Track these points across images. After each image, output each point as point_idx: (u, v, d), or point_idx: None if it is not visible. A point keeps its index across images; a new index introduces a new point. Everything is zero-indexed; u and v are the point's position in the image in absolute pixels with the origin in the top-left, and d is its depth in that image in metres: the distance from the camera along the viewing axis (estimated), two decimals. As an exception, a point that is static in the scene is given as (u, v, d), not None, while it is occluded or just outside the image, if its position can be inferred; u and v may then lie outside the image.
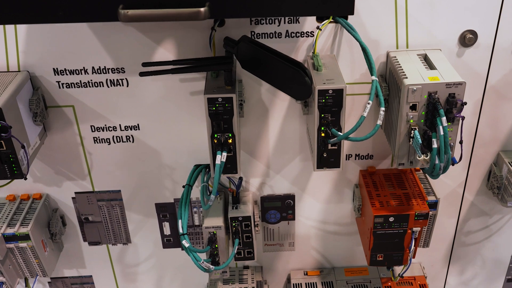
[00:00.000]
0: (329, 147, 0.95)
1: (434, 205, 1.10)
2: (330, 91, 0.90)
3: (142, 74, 0.92)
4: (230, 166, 0.96)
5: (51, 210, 1.20)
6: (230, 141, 0.93)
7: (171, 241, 1.29)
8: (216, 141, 0.93)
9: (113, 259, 1.31)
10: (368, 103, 0.88)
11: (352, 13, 0.70)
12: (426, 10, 1.00)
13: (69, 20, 0.70)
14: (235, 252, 1.11)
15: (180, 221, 1.08)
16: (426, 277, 1.30)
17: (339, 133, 0.90)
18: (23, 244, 1.10)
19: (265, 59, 0.90)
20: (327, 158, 0.97)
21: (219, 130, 0.93)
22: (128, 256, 1.30)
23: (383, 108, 0.89)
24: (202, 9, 0.67)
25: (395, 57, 1.00)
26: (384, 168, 1.19)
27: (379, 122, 0.88)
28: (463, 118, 0.93)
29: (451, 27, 1.02)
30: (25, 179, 0.99)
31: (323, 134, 0.94)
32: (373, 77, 0.90)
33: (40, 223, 1.14)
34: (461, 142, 0.96)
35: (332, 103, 0.91)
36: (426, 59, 1.00)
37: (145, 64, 0.94)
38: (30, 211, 1.15)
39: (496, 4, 1.00)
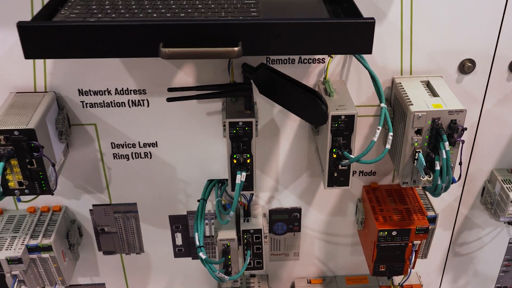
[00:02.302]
0: (339, 167, 1.03)
1: (433, 220, 1.18)
2: (343, 117, 0.98)
3: (169, 99, 0.98)
4: (247, 184, 1.03)
5: (69, 222, 1.26)
6: (248, 161, 1.00)
7: (182, 250, 1.35)
8: (235, 161, 1.00)
9: (126, 267, 1.37)
10: (378, 129, 0.96)
11: (370, 53, 0.77)
12: (429, 39, 1.08)
13: (111, 55, 0.76)
14: (247, 262, 1.17)
15: (196, 234, 1.14)
16: (422, 286, 1.38)
17: (351, 156, 0.98)
18: (45, 255, 1.16)
19: (283, 86, 0.97)
20: (337, 177, 1.04)
21: (238, 151, 1.00)
22: (140, 265, 1.36)
23: (391, 133, 0.96)
24: (236, 48, 0.73)
25: (400, 83, 1.08)
26: (386, 183, 1.27)
27: (388, 146, 0.96)
28: (463, 142, 1.01)
29: (452, 55, 1.10)
30: (53, 194, 1.04)
31: (334, 156, 1.01)
32: (382, 104, 0.98)
33: (60, 234, 1.20)
34: (460, 164, 1.04)
35: (344, 128, 0.99)
36: (429, 86, 1.08)
37: (170, 89, 1.00)
38: (51, 223, 1.20)
39: (493, 34, 1.08)
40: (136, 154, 1.19)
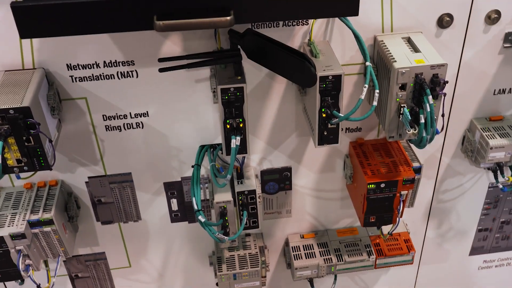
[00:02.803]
0: (329, 126, 1.07)
1: (418, 170, 1.24)
2: (330, 77, 1.01)
3: (161, 70, 1.00)
4: (241, 147, 1.06)
5: (66, 195, 1.28)
6: (241, 125, 1.03)
7: (178, 215, 1.39)
8: (228, 126, 1.03)
9: (125, 235, 1.40)
10: (365, 87, 1.00)
11: (357, 15, 0.80)
12: (408, -4, 1.11)
13: (107, 31, 0.78)
14: (245, 222, 1.22)
15: (194, 199, 1.18)
16: (409, 233, 1.46)
17: (340, 114, 1.02)
18: (47, 229, 1.18)
19: (271, 51, 0.99)
20: (327, 135, 1.08)
21: (231, 116, 1.03)
22: (138, 232, 1.40)
23: (377, 91, 1.00)
24: (228, 18, 0.76)
25: (383, 41, 1.12)
26: (371, 138, 1.32)
27: (375, 103, 1.00)
28: (445, 94, 1.06)
29: (430, 10, 1.13)
30: (51, 170, 1.06)
31: (324, 115, 1.05)
32: (367, 63, 1.01)
33: (59, 208, 1.23)
34: (443, 115, 1.09)
35: (332, 88, 1.02)
36: (410, 42, 1.12)
37: (161, 60, 1.02)
38: (49, 198, 1.23)
39: (469, -11, 1.12)
40: (128, 125, 1.21)
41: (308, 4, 0.77)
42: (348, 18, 1.05)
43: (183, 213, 1.39)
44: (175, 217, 1.40)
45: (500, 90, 1.28)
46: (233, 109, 1.02)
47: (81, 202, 1.32)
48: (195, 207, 1.17)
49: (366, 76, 1.00)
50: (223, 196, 1.21)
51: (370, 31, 1.14)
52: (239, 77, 1.01)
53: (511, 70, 1.25)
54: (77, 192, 1.31)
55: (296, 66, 0.97)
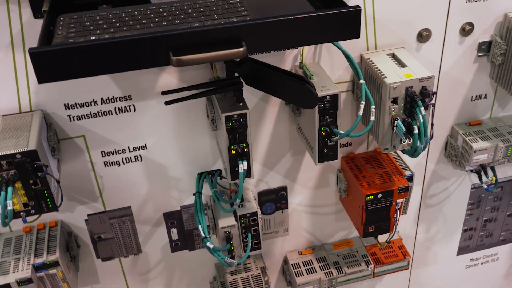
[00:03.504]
0: (328, 143, 1.11)
1: (410, 178, 1.30)
2: (328, 97, 1.06)
3: (167, 103, 1.02)
4: (246, 171, 1.09)
5: (67, 234, 1.27)
6: (246, 150, 1.06)
7: (178, 244, 1.40)
8: (234, 152, 1.06)
9: (125, 270, 1.40)
10: (362, 103, 1.04)
11: (359, 37, 0.85)
12: (389, 15, 1.17)
13: (124, 69, 0.79)
14: (250, 245, 1.24)
15: (200, 226, 1.19)
16: (402, 239, 1.51)
17: (341, 132, 1.06)
18: (52, 271, 1.17)
19: (270, 76, 1.03)
20: (327, 153, 1.12)
21: (235, 142, 1.05)
22: (139, 265, 1.40)
23: (373, 106, 1.05)
24: (241, 49, 0.79)
25: (369, 58, 1.17)
26: (362, 152, 1.37)
27: (372, 118, 1.05)
28: (433, 105, 1.12)
29: (411, 27, 1.20)
30: (58, 211, 1.06)
31: (323, 133, 1.09)
32: (361, 81, 1.06)
33: (62, 248, 1.21)
34: (432, 125, 1.15)
35: (330, 107, 1.07)
36: (395, 58, 1.18)
37: (164, 93, 1.04)
38: (51, 239, 1.21)
39: (444, 2, 1.19)
40: (127, 159, 1.22)
41: (316, 31, 0.82)
42: (336, 39, 1.10)
43: (183, 242, 1.40)
44: (175, 247, 1.40)
45: (476, 96, 1.36)
46: (237, 135, 1.05)
47: (81, 240, 1.31)
48: (202, 234, 1.19)
49: (362, 93, 1.05)
50: (227, 221, 1.23)
51: (356, 50, 1.20)
52: (241, 104, 1.04)
53: (486, 77, 1.33)
54: (76, 231, 1.30)
55: (296, 89, 1.01)
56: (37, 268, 1.16)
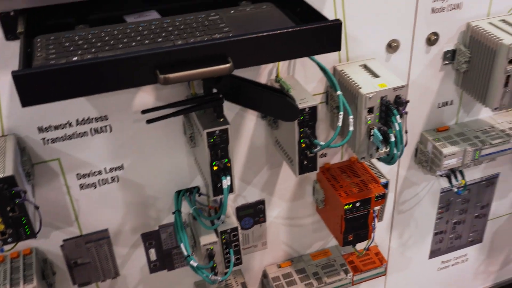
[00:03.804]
0: (308, 155, 1.12)
1: (386, 185, 1.33)
2: (307, 109, 1.07)
3: (149, 121, 1.01)
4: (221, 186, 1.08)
5: (42, 262, 1.23)
6: (228, 165, 1.06)
7: (157, 265, 1.37)
8: (216, 167, 1.05)
9: (103, 295, 1.36)
10: (340, 114, 1.06)
11: (340, 50, 0.87)
12: (360, 28, 1.20)
13: (111, 89, 0.78)
14: (233, 260, 1.23)
15: (182, 245, 1.18)
16: (377, 246, 1.54)
17: (322, 143, 1.07)
18: (30, 300, 1.13)
19: (249, 91, 1.03)
20: (307, 164, 1.13)
21: (217, 158, 1.05)
22: (117, 289, 1.37)
23: (351, 116, 1.08)
24: (228, 65, 0.79)
25: (343, 70, 1.20)
26: (336, 162, 1.39)
27: (351, 128, 1.07)
28: (406, 113, 1.15)
29: (380, 38, 1.23)
30: (36, 238, 1.02)
31: (303, 145, 1.10)
32: (338, 92, 1.08)
33: (38, 276, 1.17)
34: (406, 132, 1.18)
35: (309, 119, 1.08)
36: (367, 68, 1.21)
37: (144, 112, 1.03)
38: (26, 268, 1.17)
39: (411, 14, 1.23)
40: (104, 181, 1.19)
41: (298, 45, 0.83)
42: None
43: (162, 262, 1.37)
44: (154, 267, 1.37)
45: (443, 103, 1.40)
46: (218, 151, 1.04)
47: (56, 267, 1.27)
48: (185, 252, 1.17)
49: (340, 104, 1.07)
50: (209, 238, 1.22)
51: (329, 62, 1.22)
52: (222, 120, 1.04)
53: (451, 84, 1.38)
54: (52, 257, 1.25)
55: (277, 103, 1.02)
56: (14, 298, 1.11)
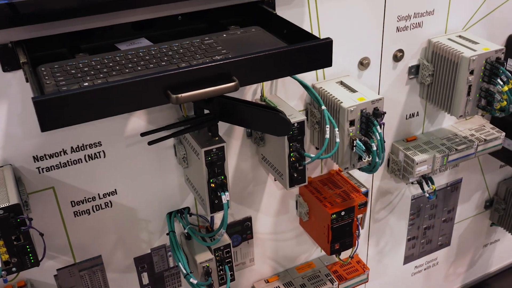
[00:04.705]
0: (298, 168, 1.18)
1: (366, 194, 1.40)
2: (296, 124, 1.14)
3: (150, 143, 1.04)
4: (218, 203, 1.13)
5: (36, 294, 1.22)
6: (225, 181, 1.10)
7: (149, 289, 1.39)
8: (213, 185, 1.09)
9: (96, 323, 1.35)
10: (327, 127, 1.14)
11: (331, 65, 0.95)
12: (334, 47, 1.28)
13: (126, 111, 0.82)
14: (229, 276, 1.27)
15: (180, 264, 1.20)
16: (358, 254, 1.61)
17: (312, 155, 1.14)
18: (29, 333, 1.12)
19: (241, 110, 1.09)
20: (296, 177, 1.20)
21: (214, 175, 1.09)
22: (110, 316, 1.37)
23: (337, 129, 1.15)
24: (234, 83, 0.85)
25: (321, 87, 1.28)
26: (317, 175, 1.46)
27: (338, 139, 1.14)
28: (384, 123, 1.24)
29: (352, 57, 1.33)
30: (38, 266, 1.03)
31: (293, 159, 1.16)
32: (323, 107, 1.16)
33: (35, 308, 1.17)
34: (384, 141, 1.27)
35: (298, 133, 1.14)
36: (343, 85, 1.29)
37: (143, 134, 1.06)
38: (22, 300, 1.16)
39: (378, 34, 1.33)
40: (97, 206, 1.21)
41: (296, 62, 0.90)
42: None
43: (154, 285, 1.39)
44: (146, 291, 1.39)
45: (410, 114, 1.51)
46: (215, 168, 1.09)
47: (50, 298, 1.26)
48: (184, 271, 1.20)
49: (325, 118, 1.14)
50: (204, 256, 1.25)
51: (308, 80, 1.29)
52: (217, 138, 1.09)
53: (416, 97, 1.48)
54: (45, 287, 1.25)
55: (269, 119, 1.08)
56: (13, 331, 1.10)
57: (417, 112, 1.52)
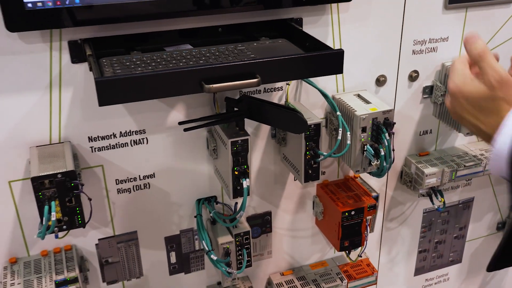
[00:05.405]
0: (313, 165, 1.35)
1: (377, 198, 1.55)
2: (312, 126, 1.30)
3: (186, 129, 1.23)
4: (240, 189, 1.30)
5: (79, 258, 1.41)
6: (247, 170, 1.28)
7: (176, 267, 1.56)
8: (237, 172, 1.27)
9: (127, 293, 1.54)
10: (340, 130, 1.30)
11: (341, 73, 1.12)
12: (354, 66, 1.45)
13: (167, 95, 1.01)
14: (246, 261, 1.43)
15: (203, 242, 1.38)
16: (369, 258, 1.74)
17: (324, 153, 1.30)
18: (72, 287, 1.30)
19: (265, 109, 1.27)
20: (311, 174, 1.36)
21: (238, 164, 1.27)
22: (140, 288, 1.54)
23: (349, 133, 1.31)
24: (256, 80, 1.03)
25: (340, 98, 1.44)
26: (333, 179, 1.61)
27: (349, 142, 1.30)
28: (393, 133, 1.39)
29: (370, 74, 1.49)
30: (84, 227, 1.22)
31: (308, 156, 1.33)
32: (338, 113, 1.32)
33: (78, 268, 1.35)
34: (393, 150, 1.42)
35: (314, 134, 1.31)
36: (360, 97, 1.45)
37: (181, 123, 1.26)
38: (68, 260, 1.35)
39: (395, 54, 1.49)
40: (137, 186, 1.40)
41: (310, 67, 1.07)
42: (315, 82, 1.37)
43: (180, 265, 1.56)
44: (173, 270, 1.56)
45: (424, 131, 1.65)
46: (239, 158, 1.26)
47: (90, 264, 1.45)
48: (206, 248, 1.37)
49: (339, 122, 1.31)
50: (225, 238, 1.42)
51: (329, 91, 1.46)
52: (243, 132, 1.27)
53: (430, 115, 1.63)
54: (87, 254, 1.44)
55: (289, 118, 1.25)
56: (58, 284, 1.29)
57: (431, 130, 1.66)
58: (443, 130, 1.68)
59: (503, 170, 0.83)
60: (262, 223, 1.59)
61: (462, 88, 0.91)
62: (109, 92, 0.97)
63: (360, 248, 1.56)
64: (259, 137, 1.46)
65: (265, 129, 1.45)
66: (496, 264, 1.10)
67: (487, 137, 0.90)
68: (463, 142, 1.73)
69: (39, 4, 1.04)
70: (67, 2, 1.06)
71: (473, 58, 0.90)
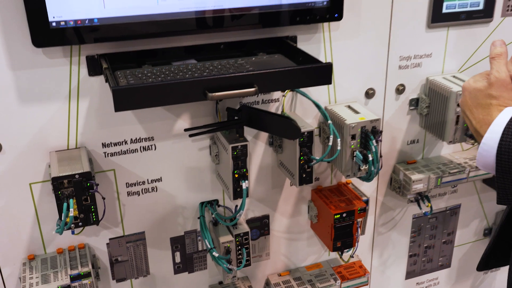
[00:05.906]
0: (306, 169, 1.47)
1: (367, 202, 1.67)
2: (306, 133, 1.43)
3: (191, 135, 1.36)
4: (240, 191, 1.42)
5: (92, 256, 1.53)
6: (247, 174, 1.40)
7: (180, 267, 1.67)
8: (237, 175, 1.39)
9: (135, 291, 1.65)
10: (331, 137, 1.43)
11: (330, 83, 1.25)
12: (345, 79, 1.59)
13: (175, 103, 1.14)
14: (245, 259, 1.54)
15: (206, 240, 1.50)
16: (361, 260, 1.85)
17: (317, 158, 1.43)
18: (85, 281, 1.42)
19: (263, 117, 1.40)
20: (305, 177, 1.48)
21: (237, 168, 1.39)
22: (146, 286, 1.65)
23: (339, 139, 1.44)
24: (254, 89, 1.16)
25: (332, 109, 1.57)
26: (327, 185, 1.74)
27: (339, 147, 1.43)
28: (381, 140, 1.51)
29: (360, 87, 1.62)
30: (98, 225, 1.34)
31: (302, 161, 1.46)
32: (329, 122, 1.45)
33: (91, 265, 1.47)
34: (381, 156, 1.54)
35: (307, 140, 1.44)
36: (350, 108, 1.58)
37: (186, 130, 1.39)
38: (82, 257, 1.47)
39: (383, 68, 1.63)
40: (145, 190, 1.53)
41: (303, 78, 1.21)
42: (309, 94, 1.50)
43: (185, 265, 1.67)
44: (177, 269, 1.67)
45: (411, 141, 1.78)
46: (239, 162, 1.39)
47: (101, 262, 1.57)
48: (208, 246, 1.49)
49: (330, 130, 1.44)
50: (226, 238, 1.53)
51: (322, 103, 1.59)
52: (242, 138, 1.40)
53: (416, 126, 1.76)
54: (98, 253, 1.56)
55: (284, 125, 1.38)
56: (73, 278, 1.41)
57: (417, 140, 1.78)
58: (429, 140, 1.80)
59: (490, 165, 0.93)
60: (261, 226, 1.71)
61: (471, 84, 1.04)
62: (123, 100, 1.10)
63: (352, 249, 1.67)
64: (257, 144, 1.59)
65: (263, 138, 1.58)
66: (486, 263, 1.21)
67: (475, 132, 1.01)
68: (448, 151, 1.85)
69: (62, 23, 1.18)
70: (86, 22, 1.20)
71: (490, 59, 1.03)
